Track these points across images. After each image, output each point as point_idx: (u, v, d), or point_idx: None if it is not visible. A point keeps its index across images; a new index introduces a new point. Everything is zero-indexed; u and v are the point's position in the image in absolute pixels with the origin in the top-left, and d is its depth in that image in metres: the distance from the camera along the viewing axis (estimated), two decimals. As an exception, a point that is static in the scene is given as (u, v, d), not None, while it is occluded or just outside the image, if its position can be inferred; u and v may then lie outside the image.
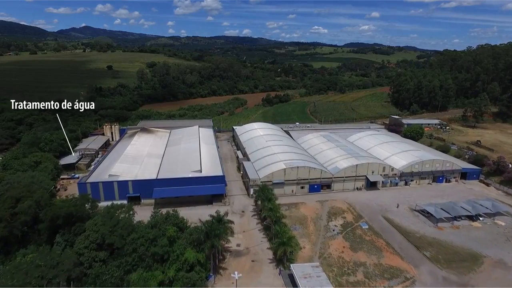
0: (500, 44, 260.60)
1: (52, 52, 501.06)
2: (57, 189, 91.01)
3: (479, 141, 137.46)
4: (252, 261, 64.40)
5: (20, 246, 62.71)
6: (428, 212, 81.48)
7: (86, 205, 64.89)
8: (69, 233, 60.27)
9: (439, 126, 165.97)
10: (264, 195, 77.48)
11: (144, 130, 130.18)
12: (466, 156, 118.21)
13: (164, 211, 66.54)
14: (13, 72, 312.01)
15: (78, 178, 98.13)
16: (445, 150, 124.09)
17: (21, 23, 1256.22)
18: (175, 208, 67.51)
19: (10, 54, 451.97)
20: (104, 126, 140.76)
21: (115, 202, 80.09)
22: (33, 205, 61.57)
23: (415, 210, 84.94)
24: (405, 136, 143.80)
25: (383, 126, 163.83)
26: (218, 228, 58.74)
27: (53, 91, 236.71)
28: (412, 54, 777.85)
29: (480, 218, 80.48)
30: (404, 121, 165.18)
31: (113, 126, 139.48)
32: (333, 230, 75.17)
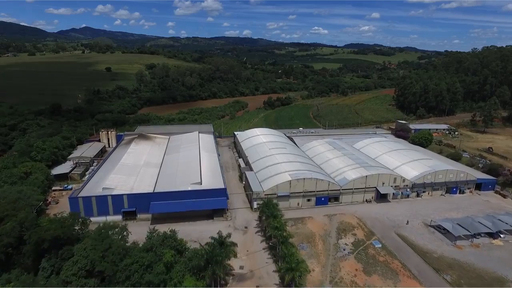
0: (507, 45, 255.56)
1: (51, 53, 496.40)
2: (48, 202, 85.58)
3: (491, 148, 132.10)
4: (257, 286, 58.85)
5: (4, 269, 57.49)
6: (444, 229, 75.96)
7: (76, 226, 59.30)
8: (56, 258, 54.84)
9: (447, 132, 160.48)
10: (269, 211, 71.94)
11: (142, 136, 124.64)
12: (480, 165, 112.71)
13: (161, 230, 61.33)
14: (11, 73, 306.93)
15: (71, 189, 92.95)
16: (456, 158, 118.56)
17: (21, 24, 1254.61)
18: (174, 228, 61.76)
19: (8, 56, 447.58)
20: (100, 132, 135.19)
21: (109, 217, 76.57)
22: (17, 226, 56.08)
23: (430, 225, 79.40)
24: (413, 142, 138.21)
25: (390, 132, 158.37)
26: (220, 253, 53.27)
27: (51, 94, 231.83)
28: (413, 55, 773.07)
29: (501, 236, 74.97)
30: (411, 126, 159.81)
31: (109, 132, 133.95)
32: (344, 250, 69.64)
